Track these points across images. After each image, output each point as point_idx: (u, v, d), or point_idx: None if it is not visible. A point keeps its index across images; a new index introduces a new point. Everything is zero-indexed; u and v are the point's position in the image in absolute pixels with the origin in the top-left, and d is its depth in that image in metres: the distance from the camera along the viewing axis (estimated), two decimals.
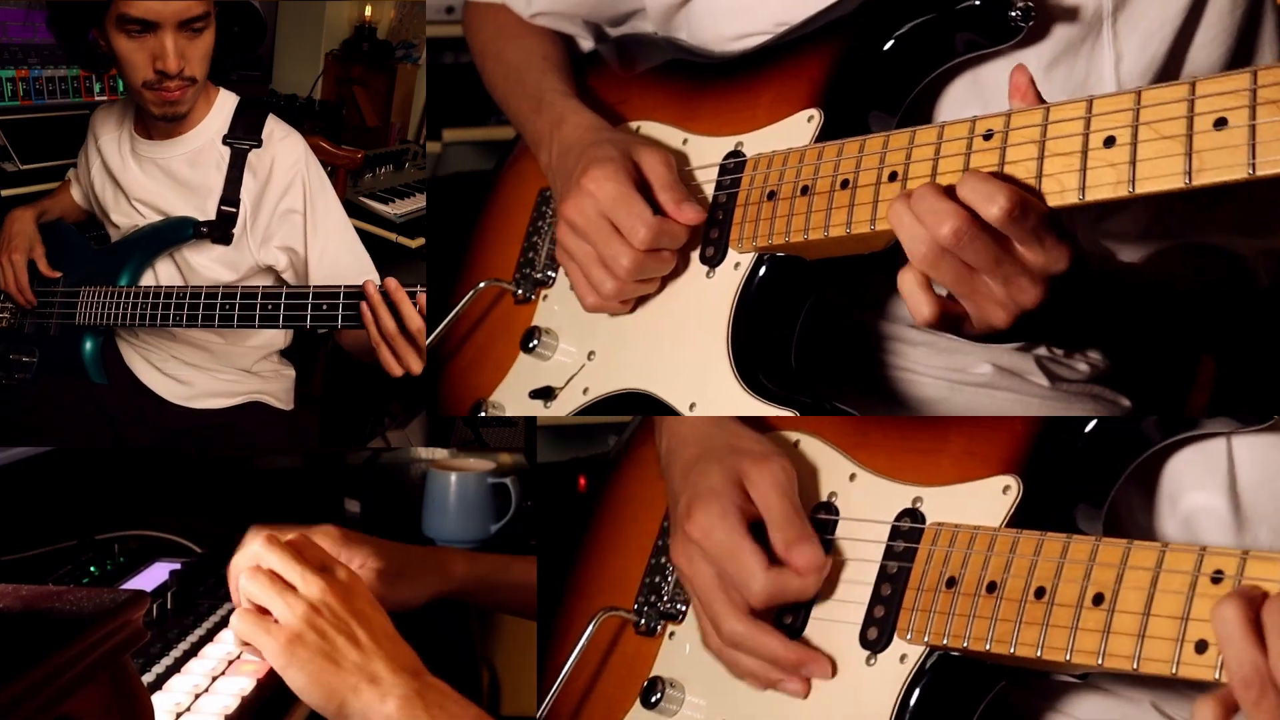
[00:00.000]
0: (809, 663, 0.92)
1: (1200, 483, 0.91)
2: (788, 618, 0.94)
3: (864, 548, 0.93)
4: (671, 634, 1.02)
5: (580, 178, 1.02)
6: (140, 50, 1.50)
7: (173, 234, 1.61)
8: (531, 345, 1.11)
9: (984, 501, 0.88)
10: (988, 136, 0.86)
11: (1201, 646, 0.74)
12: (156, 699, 0.98)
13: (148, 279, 1.62)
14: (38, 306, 1.66)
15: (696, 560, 0.94)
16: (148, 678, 1.02)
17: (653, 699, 0.98)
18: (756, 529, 0.94)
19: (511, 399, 1.13)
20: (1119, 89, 0.97)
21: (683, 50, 1.15)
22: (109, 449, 1.66)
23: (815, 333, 1.01)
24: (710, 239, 1.03)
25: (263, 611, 0.93)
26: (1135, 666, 0.76)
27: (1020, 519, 0.87)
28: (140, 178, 1.65)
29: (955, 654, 0.86)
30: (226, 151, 1.61)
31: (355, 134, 2.68)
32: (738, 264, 1.00)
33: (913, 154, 0.90)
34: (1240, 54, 1.01)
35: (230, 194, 1.60)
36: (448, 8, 1.96)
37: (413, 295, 1.32)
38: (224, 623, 1.16)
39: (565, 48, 1.23)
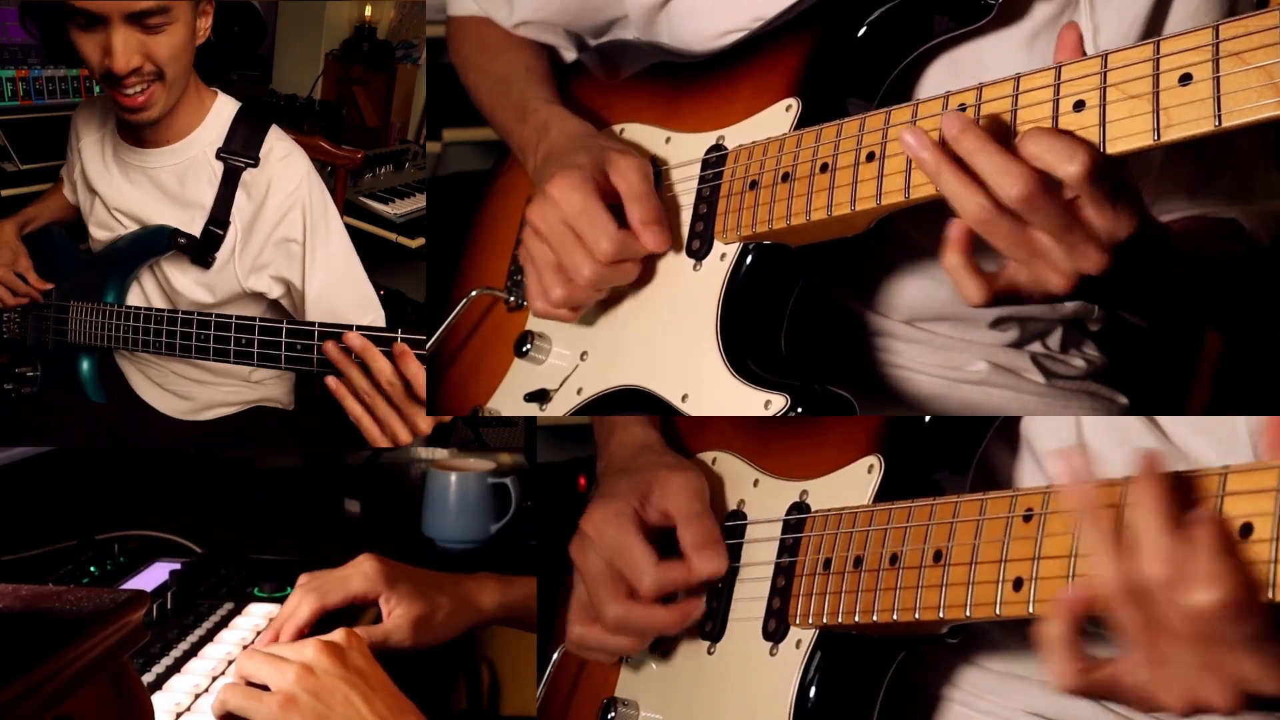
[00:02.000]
0: (690, 613, 0.96)
1: (1054, 439, 0.95)
2: (707, 625, 0.99)
3: (765, 546, 0.98)
4: (628, 658, 1.05)
5: (546, 184, 1.02)
6: (93, 45, 1.39)
7: (150, 245, 1.52)
8: (525, 350, 1.11)
9: (854, 483, 0.94)
10: (961, 109, 0.87)
11: (1018, 584, 0.78)
12: (156, 699, 0.99)
13: (135, 294, 1.55)
14: (33, 319, 1.60)
15: (588, 552, 0.98)
16: (148, 678, 1.02)
17: (608, 717, 1.03)
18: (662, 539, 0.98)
19: (508, 405, 1.13)
20: None
21: (664, 52, 1.16)
22: (109, 449, 1.65)
23: (811, 331, 1.02)
24: (695, 232, 1.03)
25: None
26: (968, 614, 0.80)
27: (886, 493, 0.91)
28: (124, 186, 1.56)
29: (848, 633, 0.90)
30: (220, 167, 1.50)
31: (355, 134, 2.69)
32: (723, 255, 1.01)
33: (889, 133, 0.91)
34: None
35: (220, 214, 1.49)
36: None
37: (389, 345, 1.15)
38: (224, 623, 1.16)
39: (548, 58, 1.24)
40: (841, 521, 0.92)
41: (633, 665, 1.04)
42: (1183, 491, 0.70)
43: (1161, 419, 0.92)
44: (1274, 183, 1.11)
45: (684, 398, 0.99)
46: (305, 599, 1.06)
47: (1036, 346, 1.13)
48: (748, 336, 0.98)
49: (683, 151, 1.07)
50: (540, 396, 1.10)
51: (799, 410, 0.92)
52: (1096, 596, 0.71)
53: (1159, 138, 0.77)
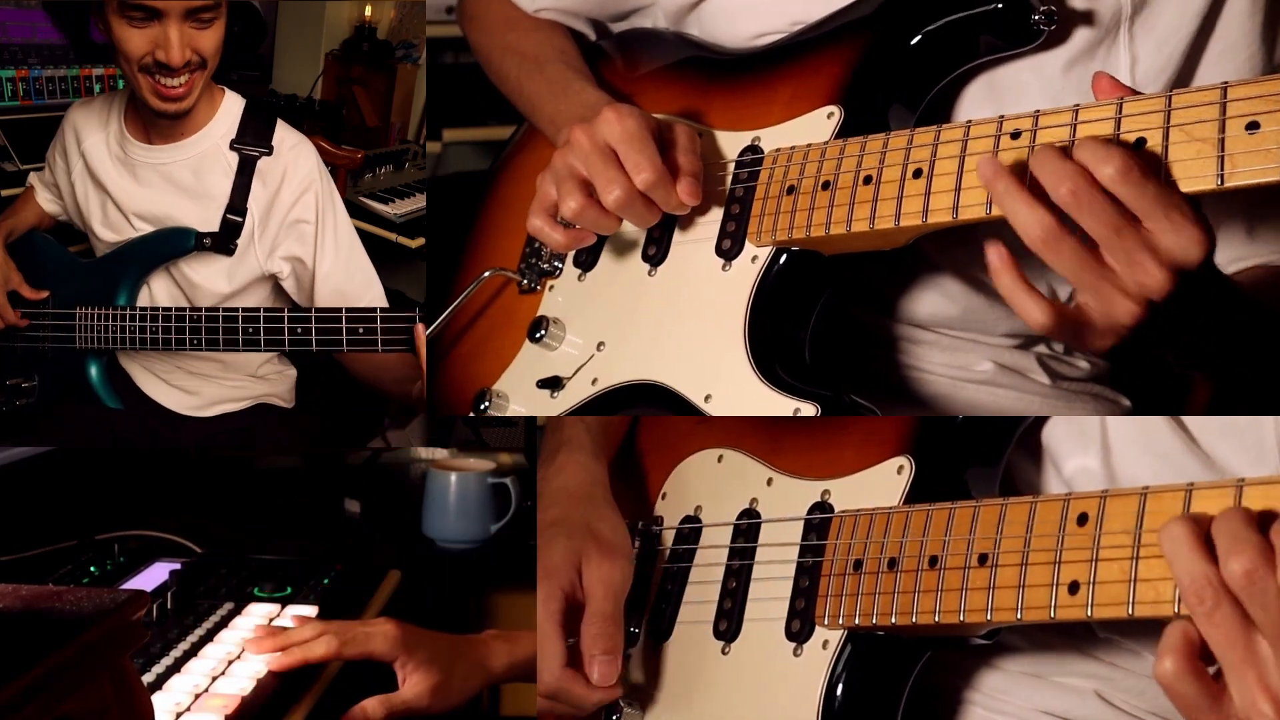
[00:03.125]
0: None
1: (1079, 447, 0.95)
2: (721, 624, 0.99)
3: (783, 547, 0.97)
4: (630, 656, 1.04)
5: (604, 108, 1.01)
6: (141, 38, 1.44)
7: (172, 246, 1.54)
8: (539, 335, 1.10)
9: (882, 484, 0.93)
10: (1015, 135, 0.86)
11: (1074, 588, 0.77)
12: (156, 699, 0.98)
13: (142, 292, 1.56)
14: (26, 329, 1.58)
15: None
16: (148, 678, 1.02)
17: (613, 717, 1.01)
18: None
19: (516, 388, 1.12)
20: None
21: (690, 45, 1.15)
22: (109, 449, 1.65)
23: (822, 329, 1.01)
24: (726, 232, 1.02)
25: None
26: (1019, 617, 0.80)
27: (916, 495, 0.91)
28: (134, 187, 1.57)
29: (875, 633, 0.90)
30: (234, 157, 1.55)
31: (355, 134, 2.68)
32: (755, 257, 1.00)
33: (938, 151, 0.90)
34: (1262, 62, 1.00)
35: (237, 202, 1.54)
36: (448, 8, 1.95)
37: (410, 324, 1.29)
38: (224, 623, 1.16)
39: (576, 42, 1.23)
40: (874, 522, 0.91)
41: (635, 663, 1.04)
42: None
43: (1187, 420, 0.92)
44: None
45: (707, 398, 0.99)
46: (325, 639, 1.07)
47: (1042, 348, 1.13)
48: (775, 341, 0.98)
49: (716, 149, 1.06)
50: (553, 384, 1.09)
51: None
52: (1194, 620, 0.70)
53: (1222, 183, 0.76)
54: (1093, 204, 0.79)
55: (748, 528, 1.00)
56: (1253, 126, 0.75)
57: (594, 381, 1.07)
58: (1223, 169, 0.76)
